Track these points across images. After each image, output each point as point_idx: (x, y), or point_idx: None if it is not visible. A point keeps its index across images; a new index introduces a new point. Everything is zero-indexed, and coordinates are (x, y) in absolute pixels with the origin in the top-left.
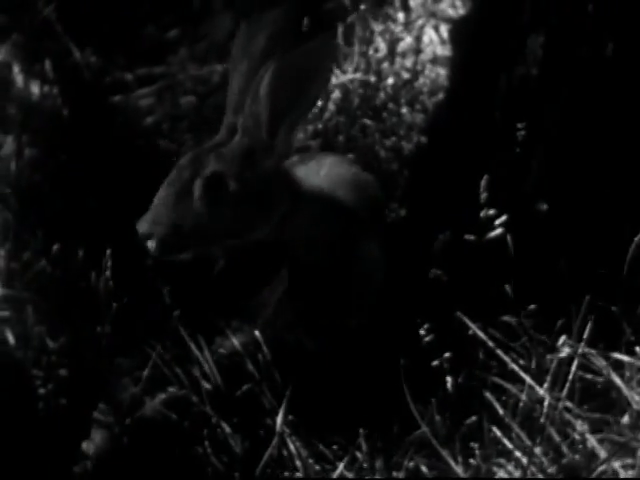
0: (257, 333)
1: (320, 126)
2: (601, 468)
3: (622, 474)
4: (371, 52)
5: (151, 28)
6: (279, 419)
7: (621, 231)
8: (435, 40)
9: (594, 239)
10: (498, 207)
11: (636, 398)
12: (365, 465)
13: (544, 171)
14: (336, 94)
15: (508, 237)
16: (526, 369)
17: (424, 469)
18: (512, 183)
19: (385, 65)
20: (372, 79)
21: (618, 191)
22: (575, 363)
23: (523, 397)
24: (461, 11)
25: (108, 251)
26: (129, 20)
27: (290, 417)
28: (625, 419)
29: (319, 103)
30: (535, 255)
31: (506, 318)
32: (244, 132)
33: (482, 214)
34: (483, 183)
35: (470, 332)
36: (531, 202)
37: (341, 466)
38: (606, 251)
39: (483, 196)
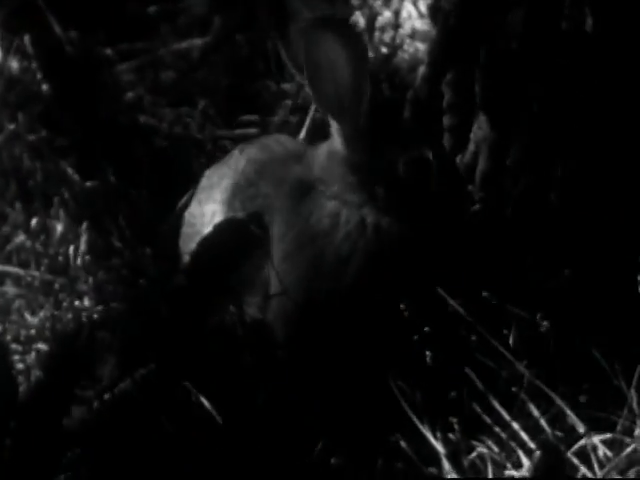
0: (237, 310)
1: (299, 101)
2: (580, 443)
3: (601, 449)
4: None
5: (132, 3)
6: (260, 396)
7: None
8: (414, 14)
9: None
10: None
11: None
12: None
13: (525, 145)
14: None
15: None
16: (506, 344)
17: (403, 444)
18: (492, 158)
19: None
20: None
21: (598, 162)
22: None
23: (503, 372)
24: None
25: (83, 225)
26: None
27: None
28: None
29: (298, 78)
30: (513, 230)
31: (486, 294)
32: None
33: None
34: (462, 158)
35: (450, 308)
36: (512, 178)
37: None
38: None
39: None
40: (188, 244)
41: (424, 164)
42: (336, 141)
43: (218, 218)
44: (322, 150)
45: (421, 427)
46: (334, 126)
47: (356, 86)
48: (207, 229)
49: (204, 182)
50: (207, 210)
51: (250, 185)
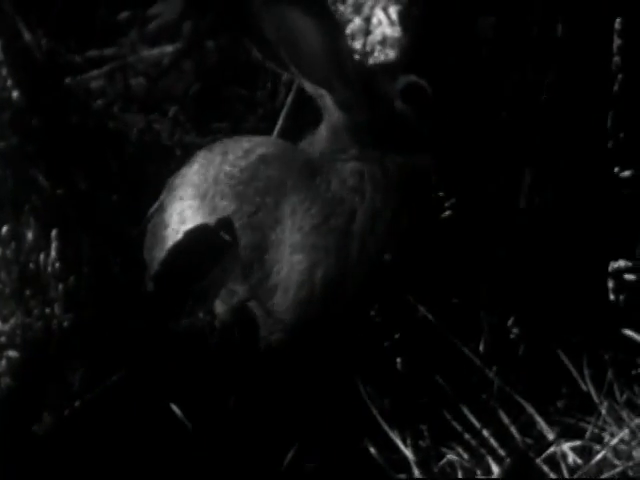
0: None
1: (270, 108)
2: (550, 450)
3: (570, 456)
4: None
5: (102, 9)
6: (230, 401)
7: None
8: (384, 21)
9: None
10: (448, 189)
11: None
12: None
13: (495, 152)
14: (287, 77)
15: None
16: (476, 351)
17: (373, 451)
18: (462, 165)
19: None
20: None
21: (568, 168)
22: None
23: (473, 379)
24: None
25: (53, 232)
26: (80, 1)
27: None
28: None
29: (269, 85)
30: (484, 236)
31: (456, 300)
32: None
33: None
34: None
35: (419, 314)
36: (481, 184)
37: (291, 452)
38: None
39: (434, 179)
40: (152, 252)
41: (420, 90)
42: (331, 115)
43: (194, 213)
44: (321, 129)
45: (391, 433)
46: (326, 98)
47: (335, 49)
48: (177, 227)
49: (166, 190)
50: (176, 209)
51: (243, 171)
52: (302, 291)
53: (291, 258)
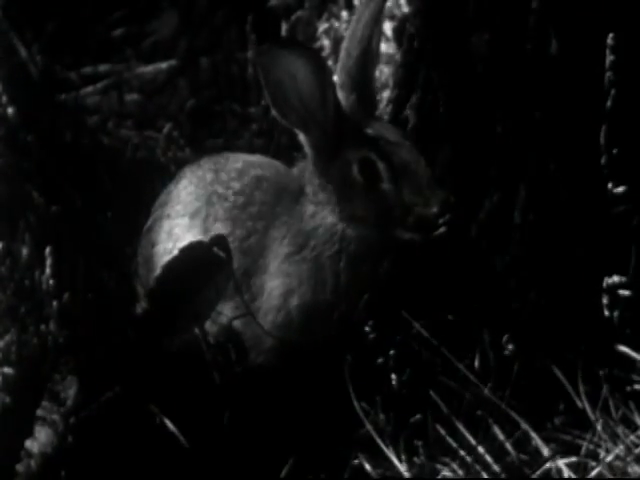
0: (202, 330)
1: (264, 125)
2: (545, 466)
3: (566, 472)
4: None
5: (97, 26)
6: (225, 417)
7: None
8: None
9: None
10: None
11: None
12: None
13: (490, 168)
14: None
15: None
16: (470, 367)
17: (368, 467)
18: (456, 181)
19: (329, 63)
20: None
21: (562, 184)
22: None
23: (467, 395)
24: (405, 9)
25: (48, 249)
26: (75, 18)
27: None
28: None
29: (263, 102)
30: (479, 251)
31: (451, 316)
32: None
33: None
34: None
35: (414, 330)
36: (476, 199)
37: (286, 468)
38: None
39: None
40: (143, 270)
41: (371, 165)
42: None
43: (184, 231)
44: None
45: (386, 450)
46: (302, 138)
47: (321, 96)
48: (166, 245)
49: (155, 207)
50: (164, 227)
51: (237, 194)
52: (279, 316)
53: (270, 284)
